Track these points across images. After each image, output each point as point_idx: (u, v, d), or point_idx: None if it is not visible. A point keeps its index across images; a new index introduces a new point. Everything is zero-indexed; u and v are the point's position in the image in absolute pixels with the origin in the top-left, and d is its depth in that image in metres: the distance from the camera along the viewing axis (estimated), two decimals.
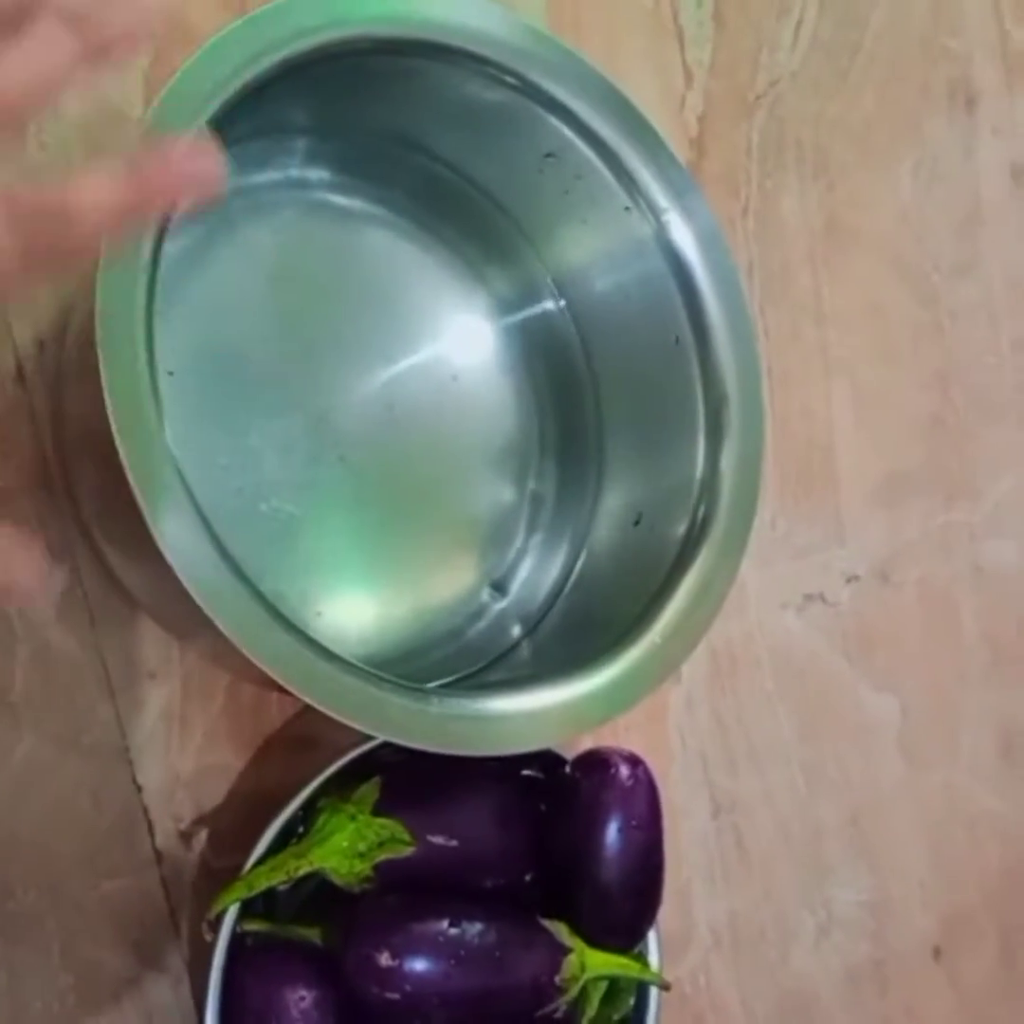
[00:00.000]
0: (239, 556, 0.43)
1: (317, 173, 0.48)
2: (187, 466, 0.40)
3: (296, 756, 0.48)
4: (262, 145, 0.46)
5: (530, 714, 0.42)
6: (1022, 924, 0.68)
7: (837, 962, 0.63)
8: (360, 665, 0.39)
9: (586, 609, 0.50)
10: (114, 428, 0.36)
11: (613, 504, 0.51)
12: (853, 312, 0.66)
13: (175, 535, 0.36)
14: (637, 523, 0.50)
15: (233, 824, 0.47)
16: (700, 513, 0.47)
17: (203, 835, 0.47)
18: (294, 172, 0.48)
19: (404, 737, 0.39)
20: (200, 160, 0.29)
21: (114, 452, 0.37)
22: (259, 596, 0.37)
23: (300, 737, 0.48)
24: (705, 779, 0.60)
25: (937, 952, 0.65)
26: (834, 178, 0.66)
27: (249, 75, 0.39)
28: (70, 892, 0.44)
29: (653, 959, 0.49)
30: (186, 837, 0.47)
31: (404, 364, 0.50)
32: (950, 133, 0.69)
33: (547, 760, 0.47)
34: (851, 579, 0.65)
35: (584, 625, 0.49)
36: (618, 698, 0.43)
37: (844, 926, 0.64)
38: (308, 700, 0.37)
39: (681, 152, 0.61)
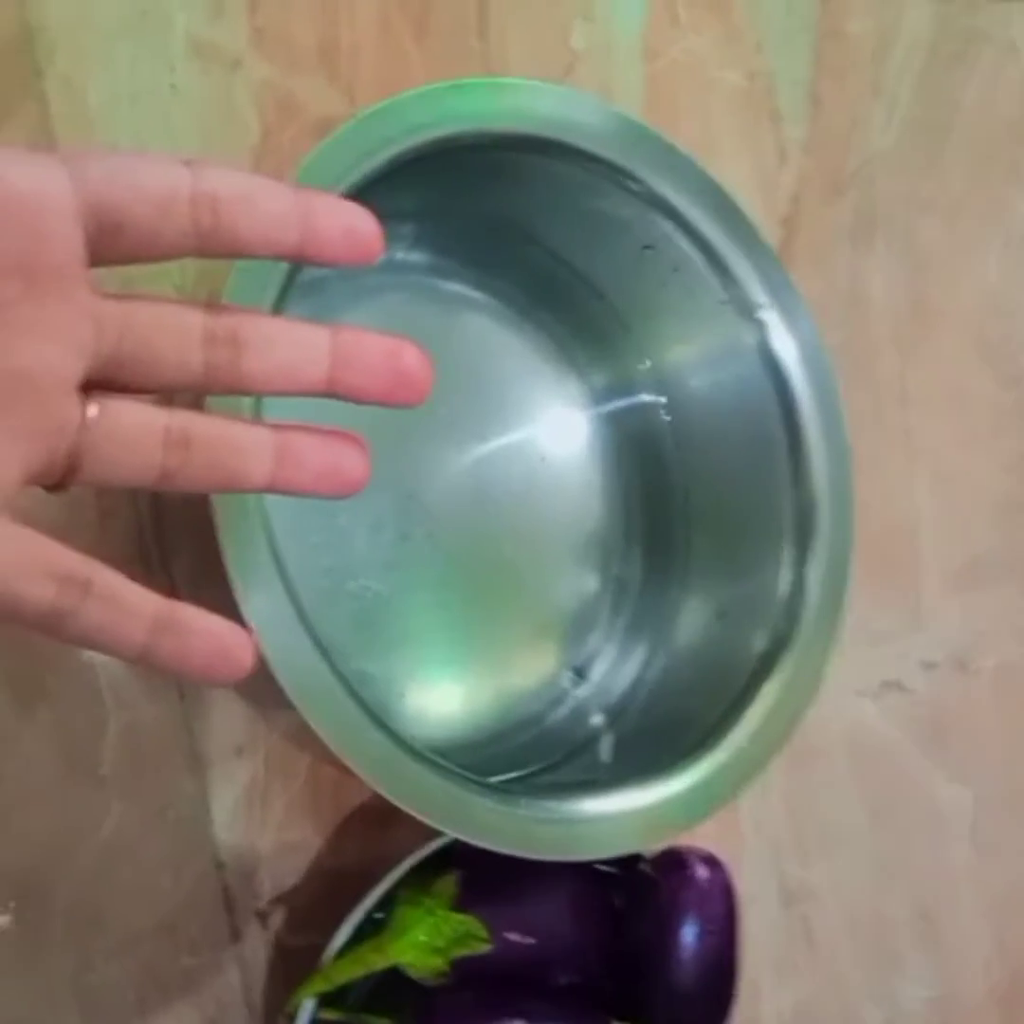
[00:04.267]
0: (326, 636, 0.43)
1: (421, 257, 0.49)
2: (279, 544, 0.40)
3: (375, 834, 0.48)
4: None
5: (615, 818, 0.41)
6: None
7: None
8: (449, 765, 0.39)
9: (668, 705, 0.49)
10: (214, 507, 0.36)
11: (698, 596, 0.51)
12: (937, 395, 0.65)
13: (269, 622, 0.36)
14: (721, 618, 0.50)
15: (310, 902, 0.47)
16: (783, 624, 0.46)
17: (280, 913, 0.47)
18: (399, 255, 0.48)
19: (491, 841, 0.39)
20: (361, 219, 0.30)
21: (211, 531, 0.37)
22: (350, 689, 0.37)
23: (380, 815, 0.48)
24: (776, 867, 0.59)
25: None
26: (923, 259, 0.65)
27: (361, 172, 0.40)
28: (151, 965, 0.45)
29: None
30: (263, 915, 0.47)
31: (495, 446, 0.50)
32: None
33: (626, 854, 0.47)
34: (929, 666, 0.64)
35: (666, 722, 0.48)
36: (703, 803, 0.43)
37: (909, 1020, 0.63)
38: (394, 801, 0.37)
39: (772, 231, 0.61)
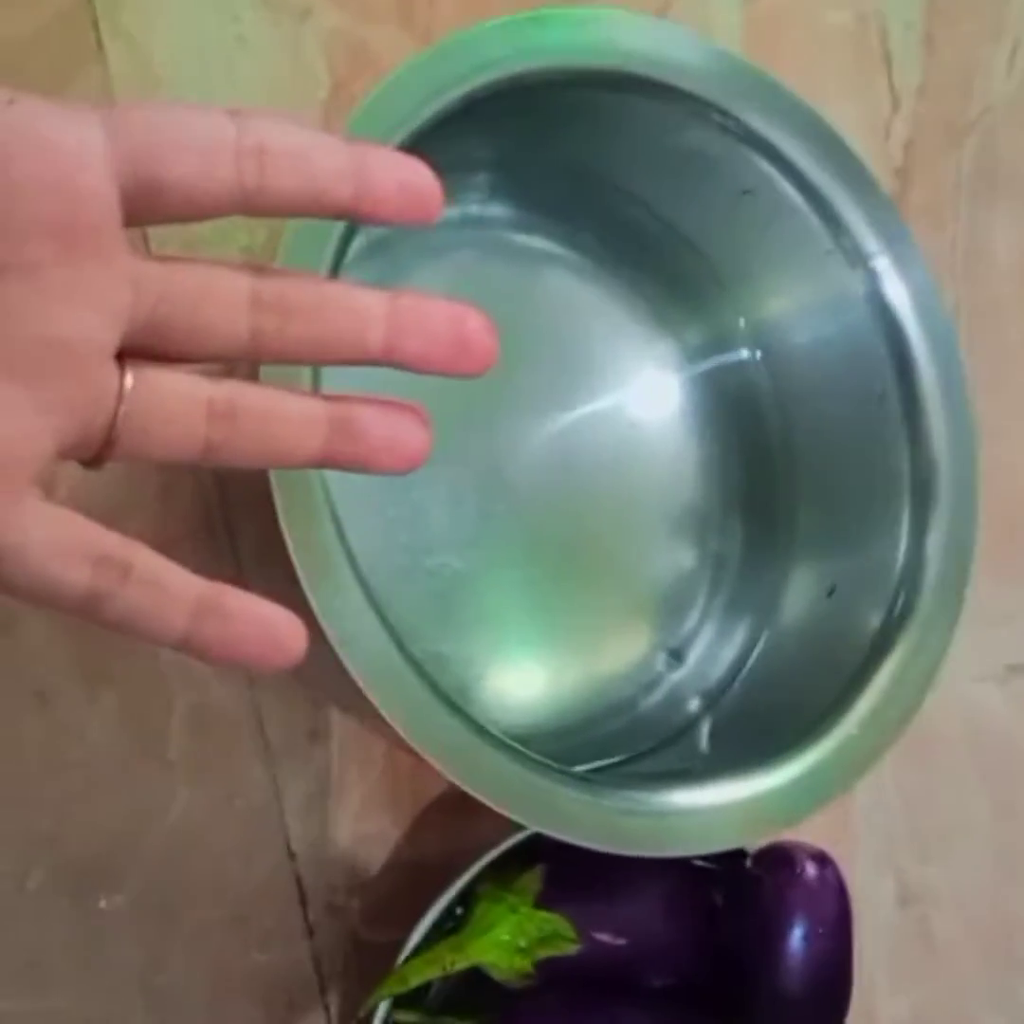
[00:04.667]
0: (401, 615, 0.41)
1: (498, 210, 0.46)
2: (353, 519, 0.38)
3: (457, 825, 0.46)
4: (443, 181, 0.44)
5: (711, 811, 0.38)
6: None
7: None
8: (529, 752, 0.36)
9: (771, 689, 0.46)
10: (274, 483, 0.34)
11: (804, 572, 0.47)
12: None
13: (335, 605, 0.34)
14: (831, 595, 0.46)
15: (388, 895, 0.45)
16: (901, 598, 0.42)
17: (356, 906, 0.45)
18: (474, 209, 0.45)
19: (574, 834, 0.36)
20: (419, 175, 0.28)
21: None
22: (423, 673, 0.34)
23: (461, 805, 0.45)
24: (892, 864, 0.55)
25: None
26: None
27: (433, 109, 0.37)
28: (221, 959, 0.43)
29: None
30: (339, 908, 0.44)
31: (581, 413, 0.47)
32: None
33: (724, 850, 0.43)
34: None
35: (769, 708, 0.45)
36: (809, 796, 0.39)
37: None
38: (470, 790, 0.34)
39: (885, 182, 0.57)
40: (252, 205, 0.26)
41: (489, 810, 0.37)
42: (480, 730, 0.35)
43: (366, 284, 0.29)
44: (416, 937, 0.39)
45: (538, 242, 0.46)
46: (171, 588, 0.27)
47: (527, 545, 0.46)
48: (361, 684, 0.33)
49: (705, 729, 0.46)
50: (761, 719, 0.45)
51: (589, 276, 0.47)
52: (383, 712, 0.33)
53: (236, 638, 0.27)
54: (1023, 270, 0.59)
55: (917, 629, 0.42)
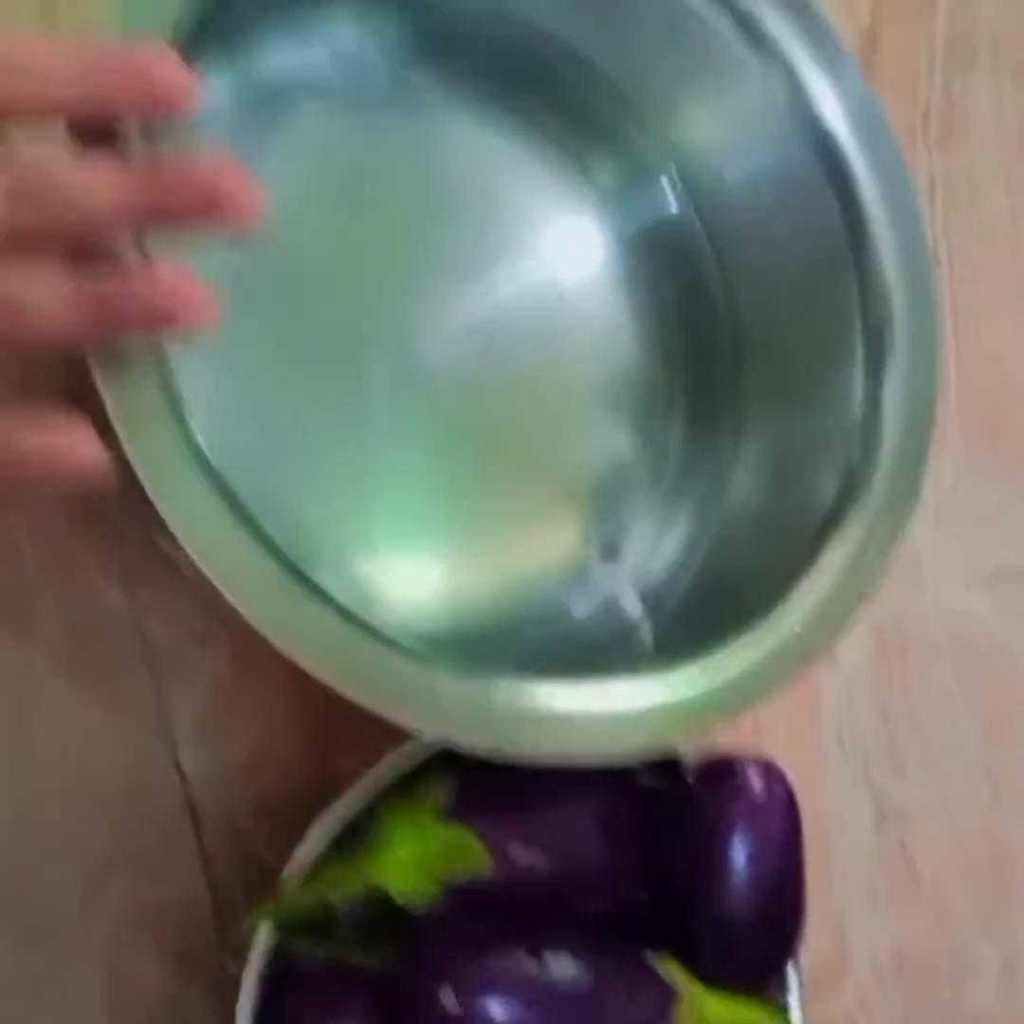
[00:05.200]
0: (296, 510, 0.37)
1: (378, 51, 0.41)
2: (247, 415, 0.37)
3: (368, 741, 0.41)
4: (303, 18, 0.39)
5: (624, 714, 0.34)
6: None
7: (1022, 1006, 0.53)
8: (404, 642, 0.31)
9: (719, 584, 0.41)
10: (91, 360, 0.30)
11: (752, 451, 0.43)
12: None
13: (170, 487, 0.30)
14: (780, 475, 0.41)
15: (293, 818, 0.40)
16: (856, 463, 0.38)
17: (259, 832, 0.41)
18: (350, 48, 0.40)
19: (458, 732, 0.31)
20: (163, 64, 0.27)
21: None
22: (275, 550, 0.30)
23: (372, 719, 0.42)
24: (867, 783, 0.51)
25: None
26: None
27: None
28: (107, 897, 0.39)
29: (792, 1001, 0.40)
30: (239, 833, 0.40)
31: (497, 283, 0.42)
32: None
33: (662, 762, 0.39)
34: None
35: (716, 604, 0.40)
36: (737, 696, 0.35)
37: None
38: (321, 678, 0.30)
39: (850, 45, 0.53)
40: None
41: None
42: (337, 608, 0.30)
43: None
44: (302, 857, 0.35)
45: (430, 86, 0.41)
46: None
47: (444, 433, 0.42)
48: (196, 560, 0.29)
49: (646, 635, 0.42)
50: (706, 618, 0.40)
51: (492, 121, 0.41)
52: (223, 591, 0.29)
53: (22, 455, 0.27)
54: (1004, 141, 0.55)
55: (872, 509, 0.38)
